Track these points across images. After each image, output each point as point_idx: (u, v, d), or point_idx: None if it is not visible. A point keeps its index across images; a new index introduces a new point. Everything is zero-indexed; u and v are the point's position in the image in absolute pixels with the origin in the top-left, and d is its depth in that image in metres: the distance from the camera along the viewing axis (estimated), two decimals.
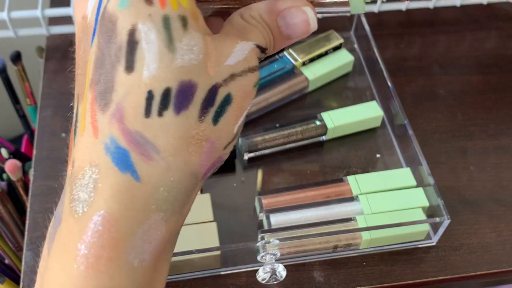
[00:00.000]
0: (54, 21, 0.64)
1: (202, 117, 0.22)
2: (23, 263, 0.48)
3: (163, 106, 0.21)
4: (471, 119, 0.59)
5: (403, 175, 0.51)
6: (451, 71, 0.63)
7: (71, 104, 0.25)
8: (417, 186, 0.50)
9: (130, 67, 0.21)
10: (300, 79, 0.58)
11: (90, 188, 0.21)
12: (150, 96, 0.21)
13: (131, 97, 0.21)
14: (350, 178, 0.50)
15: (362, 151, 0.55)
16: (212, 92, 0.22)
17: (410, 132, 0.52)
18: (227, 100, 0.22)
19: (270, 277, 0.46)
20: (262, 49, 0.24)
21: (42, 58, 0.64)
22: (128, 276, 0.21)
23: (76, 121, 0.23)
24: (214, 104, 0.22)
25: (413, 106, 0.59)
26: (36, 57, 0.67)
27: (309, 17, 0.25)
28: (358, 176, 0.50)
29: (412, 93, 0.61)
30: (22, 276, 0.47)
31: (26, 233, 0.49)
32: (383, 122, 0.57)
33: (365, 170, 0.54)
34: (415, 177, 0.51)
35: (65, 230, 0.22)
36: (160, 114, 0.21)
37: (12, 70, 0.67)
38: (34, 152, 0.55)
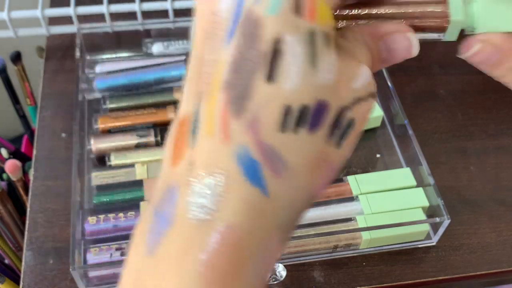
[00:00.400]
0: (54, 21, 0.64)
1: (329, 139, 0.21)
2: (23, 263, 0.48)
3: (299, 123, 0.20)
4: (471, 119, 0.59)
5: (403, 175, 0.51)
6: (451, 71, 0.63)
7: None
8: (417, 186, 0.50)
9: (271, 77, 0.20)
10: None
11: (215, 195, 0.20)
12: (287, 111, 0.20)
13: (268, 109, 0.20)
14: (350, 178, 0.50)
15: (362, 151, 0.55)
16: (340, 114, 0.21)
17: (410, 132, 0.52)
18: (351, 124, 0.22)
19: (270, 277, 0.46)
20: None
21: (42, 58, 0.64)
22: (251, 284, 0.20)
23: (197, 120, 0.21)
24: (340, 127, 0.22)
25: (413, 106, 0.59)
26: (36, 57, 0.67)
27: (411, 44, 0.24)
28: (358, 176, 0.50)
29: (412, 93, 0.61)
30: (22, 276, 0.47)
31: (26, 233, 0.49)
32: (383, 122, 0.57)
33: (365, 170, 0.54)
34: (415, 177, 0.51)
35: (180, 235, 0.20)
36: (295, 130, 0.20)
37: (12, 70, 0.67)
38: (34, 152, 0.55)
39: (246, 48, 0.20)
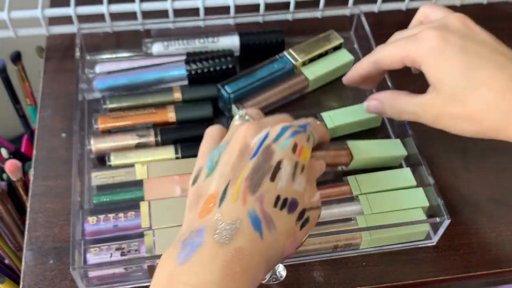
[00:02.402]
0: (54, 21, 0.64)
1: (298, 222, 0.37)
2: (23, 263, 0.48)
3: (283, 206, 0.37)
4: None
5: (403, 175, 0.51)
6: None
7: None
8: (417, 186, 0.50)
9: (273, 177, 0.37)
10: (300, 79, 0.58)
11: (234, 230, 0.34)
12: (278, 198, 0.37)
13: (268, 194, 0.36)
14: (350, 178, 0.50)
15: None
16: (303, 211, 0.38)
17: (410, 132, 0.52)
18: (307, 219, 0.38)
19: (270, 277, 0.46)
20: None
21: (42, 58, 0.64)
22: (248, 286, 0.34)
23: (225, 194, 0.36)
24: (303, 218, 0.38)
25: None
26: (36, 57, 0.67)
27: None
28: (358, 176, 0.50)
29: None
30: (22, 276, 0.47)
31: (26, 233, 0.49)
32: (383, 122, 0.57)
33: (365, 170, 0.53)
34: (415, 177, 0.51)
35: (209, 249, 0.33)
36: (281, 209, 0.37)
37: (12, 70, 0.67)
38: (34, 152, 0.55)
39: (263, 162, 0.38)
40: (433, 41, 0.41)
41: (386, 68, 0.46)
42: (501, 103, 0.40)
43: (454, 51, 0.41)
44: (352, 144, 0.52)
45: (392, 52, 0.45)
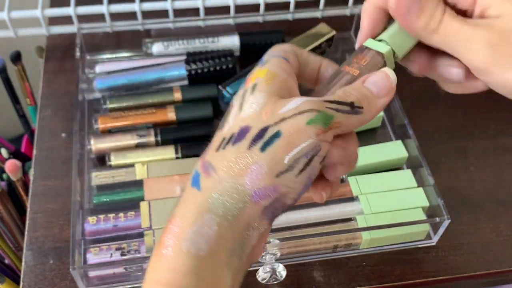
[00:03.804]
0: (54, 21, 0.64)
1: (251, 147, 0.29)
2: (23, 263, 0.48)
3: (227, 143, 0.30)
4: (471, 119, 0.59)
5: (403, 175, 0.51)
6: None
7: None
8: (417, 186, 0.50)
9: (221, 127, 0.31)
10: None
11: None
12: (223, 140, 0.30)
13: (213, 142, 0.31)
14: (351, 179, 0.50)
15: None
16: (263, 130, 0.30)
17: (410, 132, 0.52)
18: (276, 135, 0.29)
19: (270, 277, 0.46)
20: (351, 105, 0.31)
21: (42, 58, 0.64)
22: (188, 259, 0.28)
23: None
24: (263, 138, 0.29)
25: (413, 106, 0.59)
26: (36, 57, 0.67)
27: (388, 73, 0.35)
28: (358, 177, 0.50)
29: (412, 93, 0.61)
30: (22, 276, 0.47)
31: (26, 233, 0.49)
32: (383, 122, 0.57)
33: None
34: (415, 177, 0.51)
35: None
36: (224, 148, 0.30)
37: (12, 70, 0.67)
38: (34, 152, 0.55)
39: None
40: None
41: None
42: None
43: None
44: None
45: None
